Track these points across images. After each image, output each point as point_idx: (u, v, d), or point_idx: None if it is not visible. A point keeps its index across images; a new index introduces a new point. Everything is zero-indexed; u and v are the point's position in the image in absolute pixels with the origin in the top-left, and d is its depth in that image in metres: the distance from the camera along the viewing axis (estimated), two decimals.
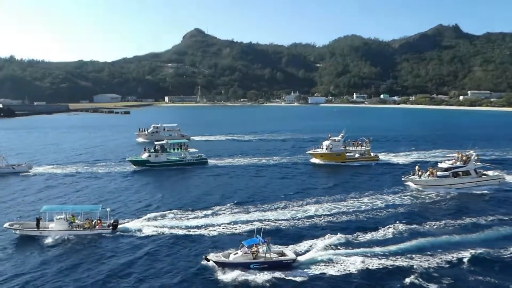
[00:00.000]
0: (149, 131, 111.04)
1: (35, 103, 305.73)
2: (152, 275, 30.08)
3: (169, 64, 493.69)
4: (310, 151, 75.96)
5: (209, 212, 44.13)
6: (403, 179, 54.75)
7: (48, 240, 37.15)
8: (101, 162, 75.06)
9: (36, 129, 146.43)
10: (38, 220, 38.84)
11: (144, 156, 71.97)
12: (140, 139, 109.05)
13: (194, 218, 42.36)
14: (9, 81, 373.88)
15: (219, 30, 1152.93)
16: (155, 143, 77.18)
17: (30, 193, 53.94)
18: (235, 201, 47.70)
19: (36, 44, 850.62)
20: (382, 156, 77.60)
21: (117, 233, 38.48)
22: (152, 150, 72.88)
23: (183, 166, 71.22)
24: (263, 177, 62.23)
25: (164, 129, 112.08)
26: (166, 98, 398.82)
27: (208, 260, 31.00)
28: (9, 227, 38.46)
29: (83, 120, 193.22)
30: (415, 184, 53.87)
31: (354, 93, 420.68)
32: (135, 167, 70.26)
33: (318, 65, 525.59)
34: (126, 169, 68.79)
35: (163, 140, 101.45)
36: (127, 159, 72.55)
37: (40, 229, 38.45)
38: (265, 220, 41.11)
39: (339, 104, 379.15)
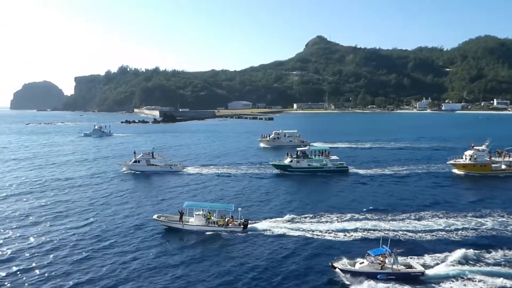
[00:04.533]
0: (270, 137, 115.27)
1: (180, 110, 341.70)
2: (277, 276, 31.10)
3: (294, 72, 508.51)
4: (451, 161, 71.70)
5: (339, 218, 44.16)
6: None
7: (188, 233, 40.52)
8: (245, 165, 79.41)
9: (194, 133, 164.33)
10: (181, 214, 42.17)
11: (286, 161, 73.26)
12: (262, 144, 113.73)
13: (324, 222, 42.79)
14: (158, 90, 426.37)
15: (342, 36, 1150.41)
16: (297, 149, 78.06)
17: (180, 189, 59.77)
18: (366, 209, 47.54)
19: (174, 57, 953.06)
20: None
21: (248, 232, 40.30)
22: (294, 155, 73.92)
23: (323, 173, 71.18)
24: (399, 187, 60.83)
25: (284, 135, 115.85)
26: (295, 105, 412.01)
27: (335, 268, 30.85)
28: (156, 218, 42.28)
29: (232, 125, 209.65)
30: None
31: (494, 99, 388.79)
32: (277, 171, 72.59)
33: (448, 69, 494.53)
34: (267, 172, 72.02)
35: (284, 145, 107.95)
36: (270, 163, 75.28)
37: (182, 222, 41.74)
38: (393, 229, 40.27)
39: (477, 111, 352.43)
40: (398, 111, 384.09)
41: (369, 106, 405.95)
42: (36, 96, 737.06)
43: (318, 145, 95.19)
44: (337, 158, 74.40)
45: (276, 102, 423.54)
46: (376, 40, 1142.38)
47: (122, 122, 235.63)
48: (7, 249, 36.08)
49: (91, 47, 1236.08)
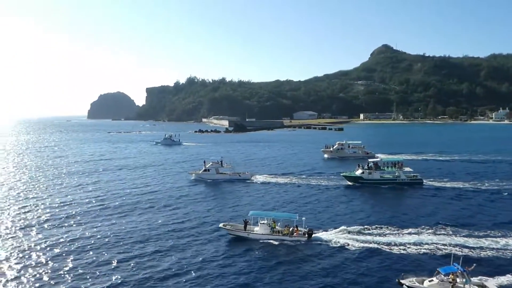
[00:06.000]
0: (334, 148, 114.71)
1: (246, 120, 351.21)
2: (341, 287, 31.12)
3: (359, 82, 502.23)
4: None
5: (409, 231, 43.23)
6: None
7: (253, 242, 41.23)
8: (311, 175, 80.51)
9: (267, 142, 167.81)
10: (245, 223, 43.01)
11: (358, 172, 72.47)
12: (326, 155, 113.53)
13: (392, 235, 42.09)
14: (225, 100, 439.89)
15: (409, 45, 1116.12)
16: (369, 160, 77.32)
17: (246, 197, 62.07)
18: (439, 223, 46.14)
19: (240, 68, 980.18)
20: None
21: (312, 242, 40.59)
22: (365, 167, 73.17)
23: (396, 185, 69.62)
24: (477, 201, 58.51)
25: (348, 146, 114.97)
26: (361, 115, 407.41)
27: (402, 285, 29.84)
28: (222, 226, 43.58)
29: (301, 136, 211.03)
30: None
31: None
32: (348, 182, 71.95)
33: None
34: (334, 183, 72.26)
35: (347, 156, 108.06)
36: (341, 174, 75.09)
37: (247, 231, 42.62)
38: (467, 246, 38.64)
39: None
40: (472, 121, 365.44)
41: (440, 117, 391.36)
42: (110, 106, 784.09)
43: (382, 156, 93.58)
44: (411, 170, 72.67)
45: (342, 112, 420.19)
46: (446, 48, 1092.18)
47: (195, 132, 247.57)
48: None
49: (160, 59, 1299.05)
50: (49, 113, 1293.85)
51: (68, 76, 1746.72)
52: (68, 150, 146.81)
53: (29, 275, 33.85)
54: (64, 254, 38.29)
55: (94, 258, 37.45)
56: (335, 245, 39.60)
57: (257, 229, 42.69)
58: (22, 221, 49.97)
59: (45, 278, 33.40)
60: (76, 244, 41.21)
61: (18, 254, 38.70)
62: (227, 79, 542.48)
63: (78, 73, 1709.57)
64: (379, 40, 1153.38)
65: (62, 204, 58.43)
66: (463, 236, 41.89)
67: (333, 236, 41.83)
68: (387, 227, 44.84)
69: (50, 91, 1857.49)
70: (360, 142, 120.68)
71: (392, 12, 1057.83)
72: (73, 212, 53.87)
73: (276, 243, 40.74)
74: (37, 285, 32.20)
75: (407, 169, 72.76)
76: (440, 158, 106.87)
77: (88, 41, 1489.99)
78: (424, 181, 71.51)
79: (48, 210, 55.17)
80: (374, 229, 44.26)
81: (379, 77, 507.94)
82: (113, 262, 36.40)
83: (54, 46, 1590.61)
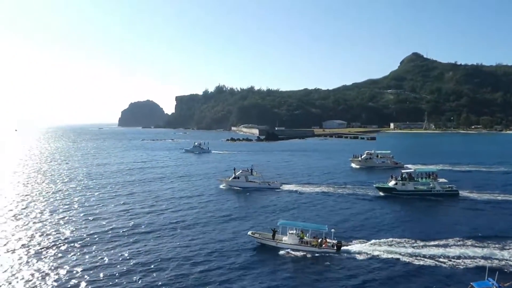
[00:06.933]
0: (362, 157, 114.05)
1: (276, 128, 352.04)
2: None
3: (389, 90, 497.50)
4: None
5: (443, 244, 42.14)
6: None
7: (281, 252, 41.34)
8: (340, 185, 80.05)
9: (302, 152, 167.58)
10: (274, 232, 43.24)
11: (391, 183, 71.39)
12: (354, 165, 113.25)
13: (424, 247, 41.22)
14: (254, 108, 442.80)
15: (439, 53, 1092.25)
16: (402, 171, 75.87)
17: (275, 206, 62.09)
18: (474, 235, 44.82)
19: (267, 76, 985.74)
20: None
21: (341, 254, 40.20)
22: (399, 178, 71.99)
23: (431, 196, 68.32)
24: None
25: (377, 156, 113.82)
26: (392, 125, 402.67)
27: None
28: (251, 235, 43.96)
29: (333, 145, 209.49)
30: None
31: None
32: (381, 193, 71.01)
33: None
34: (364, 193, 71.58)
35: (376, 166, 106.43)
36: (374, 185, 73.57)
37: (276, 240, 42.71)
38: (503, 260, 37.55)
39: None
40: (508, 131, 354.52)
41: (473, 126, 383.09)
42: (140, 114, 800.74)
43: (413, 166, 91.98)
44: (446, 180, 71.27)
45: (371, 122, 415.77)
46: (478, 56, 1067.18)
47: (227, 140, 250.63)
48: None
49: (190, 68, 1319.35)
50: (80, 121, 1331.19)
51: (98, 85, 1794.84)
52: (110, 157, 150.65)
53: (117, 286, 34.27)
54: (144, 266, 38.26)
55: (172, 268, 37.68)
56: (364, 258, 38.95)
57: (285, 238, 42.65)
58: (93, 229, 50.40)
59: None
60: (153, 255, 41.11)
61: (97, 263, 38.94)
62: (256, 88, 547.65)
63: (108, 83, 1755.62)
64: (409, 48, 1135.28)
65: (123, 213, 58.90)
66: (500, 249, 40.56)
67: (363, 248, 41.21)
68: (420, 240, 43.85)
69: (81, 100, 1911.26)
70: (389, 151, 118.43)
71: (422, 20, 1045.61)
72: (138, 223, 53.44)
73: (304, 254, 40.60)
74: None
75: (442, 180, 71.48)
76: (477, 169, 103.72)
77: (121, 53, 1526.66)
78: (461, 192, 69.96)
79: (114, 218, 56.09)
80: (406, 241, 43.37)
81: (409, 86, 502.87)
82: (193, 274, 36.52)
83: (86, 59, 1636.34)
